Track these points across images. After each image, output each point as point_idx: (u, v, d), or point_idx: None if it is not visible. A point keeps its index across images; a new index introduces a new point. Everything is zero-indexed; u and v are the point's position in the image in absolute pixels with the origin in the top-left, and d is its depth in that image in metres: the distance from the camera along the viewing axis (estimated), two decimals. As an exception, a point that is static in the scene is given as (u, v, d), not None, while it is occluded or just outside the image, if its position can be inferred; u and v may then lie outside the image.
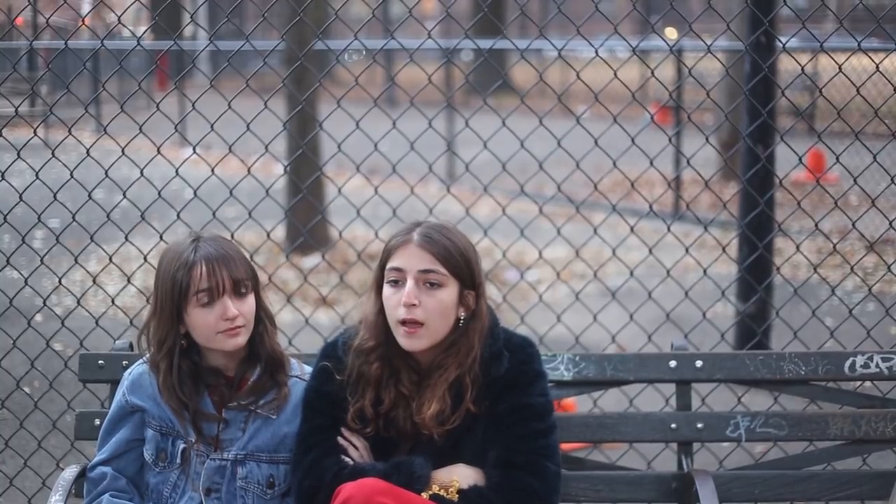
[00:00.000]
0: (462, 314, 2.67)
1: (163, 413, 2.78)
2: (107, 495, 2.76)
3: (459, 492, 2.60)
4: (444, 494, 2.59)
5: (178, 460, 2.77)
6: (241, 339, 2.74)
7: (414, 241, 2.64)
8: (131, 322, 4.20)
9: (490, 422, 2.66)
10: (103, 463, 2.80)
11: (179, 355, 2.75)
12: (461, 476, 2.63)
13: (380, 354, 2.68)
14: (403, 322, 2.62)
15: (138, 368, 2.85)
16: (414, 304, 2.60)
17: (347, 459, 2.66)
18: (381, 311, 2.69)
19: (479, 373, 2.65)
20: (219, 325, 2.70)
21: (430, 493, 2.59)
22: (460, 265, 2.66)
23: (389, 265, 2.65)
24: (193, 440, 2.75)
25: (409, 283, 2.62)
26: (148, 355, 2.82)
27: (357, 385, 2.69)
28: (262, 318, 2.82)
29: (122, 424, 2.82)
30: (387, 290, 2.66)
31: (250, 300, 2.76)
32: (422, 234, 2.66)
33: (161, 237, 4.07)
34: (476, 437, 2.66)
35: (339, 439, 2.69)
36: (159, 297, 2.75)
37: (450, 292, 2.64)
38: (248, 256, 2.83)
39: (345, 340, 2.76)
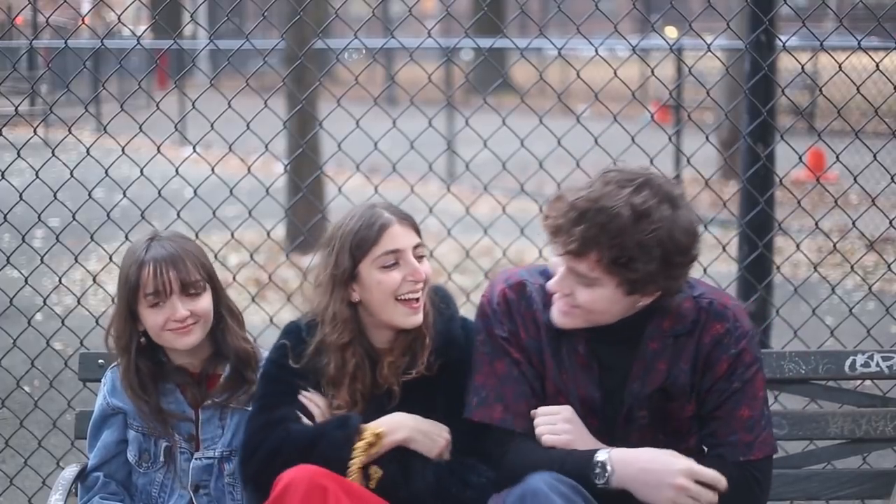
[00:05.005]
0: None
1: None
2: (97, 497, 2.78)
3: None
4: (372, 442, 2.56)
5: (162, 459, 2.78)
6: (193, 338, 2.73)
7: (395, 221, 2.64)
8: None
9: (446, 404, 2.65)
10: (95, 469, 2.82)
11: (137, 354, 2.75)
12: (388, 424, 2.60)
13: (355, 350, 2.66)
14: (412, 300, 2.63)
15: (118, 370, 2.85)
16: (425, 280, 2.63)
17: (306, 420, 2.65)
18: (350, 304, 2.67)
19: (431, 325, 2.67)
20: (167, 324, 2.71)
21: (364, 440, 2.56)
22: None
23: (383, 251, 2.62)
24: (175, 439, 2.77)
25: (412, 259, 2.64)
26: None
27: (331, 383, 2.67)
28: (224, 315, 2.80)
29: (105, 427, 2.84)
30: (380, 274, 2.63)
31: (205, 299, 2.74)
32: (393, 213, 2.67)
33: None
34: (431, 405, 2.65)
35: (302, 398, 2.66)
36: (118, 295, 2.78)
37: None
38: (207, 255, 2.81)
39: (308, 323, 2.73)
